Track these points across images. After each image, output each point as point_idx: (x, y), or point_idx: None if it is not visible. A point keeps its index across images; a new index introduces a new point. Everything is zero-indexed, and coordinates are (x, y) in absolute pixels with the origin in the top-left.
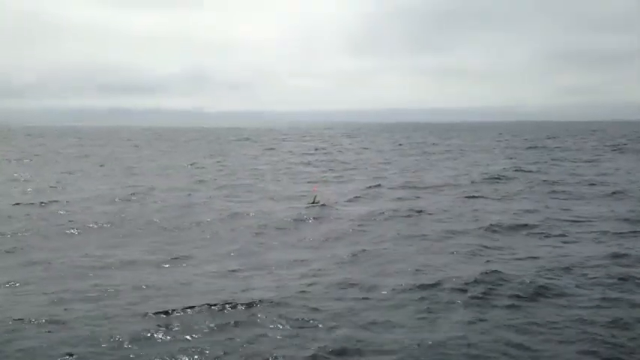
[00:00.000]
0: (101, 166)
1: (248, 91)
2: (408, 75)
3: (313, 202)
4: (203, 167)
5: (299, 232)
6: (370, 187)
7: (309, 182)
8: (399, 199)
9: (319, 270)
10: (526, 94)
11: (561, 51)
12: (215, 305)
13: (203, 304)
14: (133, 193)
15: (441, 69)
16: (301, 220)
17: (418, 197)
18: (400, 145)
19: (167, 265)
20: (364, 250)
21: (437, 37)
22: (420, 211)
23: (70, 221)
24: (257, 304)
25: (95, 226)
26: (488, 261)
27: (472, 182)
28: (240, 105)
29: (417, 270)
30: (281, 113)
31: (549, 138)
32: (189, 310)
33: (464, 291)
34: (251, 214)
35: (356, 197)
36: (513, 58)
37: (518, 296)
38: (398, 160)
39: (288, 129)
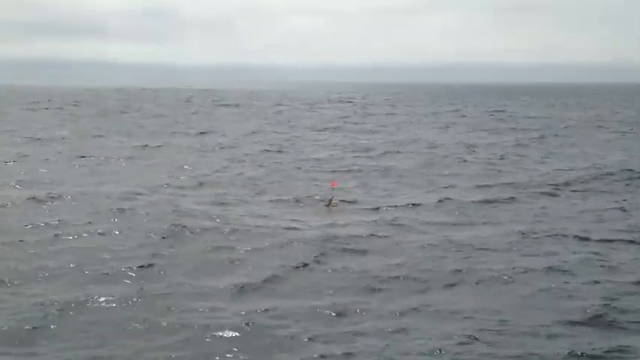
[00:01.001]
0: None
1: (229, 35)
2: (462, 14)
3: (329, 205)
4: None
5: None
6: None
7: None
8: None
9: None
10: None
11: None
12: None
13: None
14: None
15: (513, 5)
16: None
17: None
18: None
19: None
20: None
21: None
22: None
23: None
24: None
25: None
26: None
27: None
28: (219, 55)
29: None
30: (275, 68)
31: None
32: None
33: None
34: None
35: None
36: None
37: None
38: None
39: (294, 94)
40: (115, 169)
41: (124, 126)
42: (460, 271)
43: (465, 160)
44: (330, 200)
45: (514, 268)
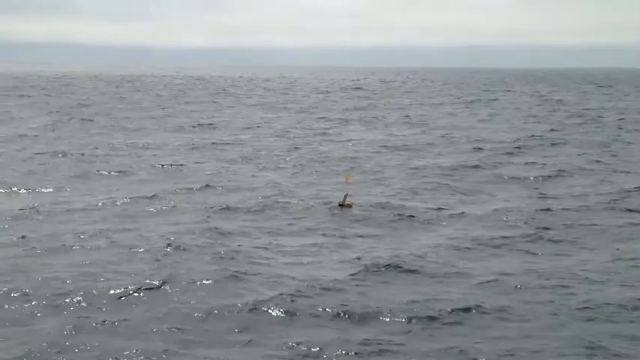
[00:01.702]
0: None
1: (212, 8)
2: None
3: (342, 204)
4: None
5: None
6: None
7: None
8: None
9: None
10: None
11: None
12: None
13: None
14: None
15: None
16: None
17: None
18: None
19: None
20: None
21: None
22: None
23: None
24: None
25: None
26: None
27: None
28: (202, 36)
29: None
30: (270, 50)
31: None
32: None
33: None
34: None
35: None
36: None
37: None
38: None
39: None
40: None
41: None
42: None
43: None
44: (344, 199)
45: None
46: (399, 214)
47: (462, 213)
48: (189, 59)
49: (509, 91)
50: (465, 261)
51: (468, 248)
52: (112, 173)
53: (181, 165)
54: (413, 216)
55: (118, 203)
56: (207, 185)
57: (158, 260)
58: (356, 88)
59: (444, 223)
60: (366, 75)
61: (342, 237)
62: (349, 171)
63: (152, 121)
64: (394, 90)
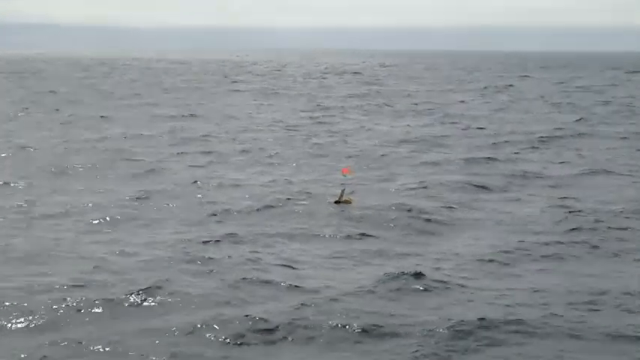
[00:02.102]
0: None
1: None
2: None
3: (339, 201)
4: None
5: None
6: None
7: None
8: None
9: None
10: None
11: None
12: None
13: None
14: None
15: None
16: None
17: None
18: None
19: None
20: None
21: None
22: None
23: None
24: None
25: None
26: None
27: None
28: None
29: None
30: (259, 31)
31: None
32: None
33: None
34: None
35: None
36: None
37: None
38: None
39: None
40: None
41: None
42: None
43: None
44: (341, 195)
45: None
46: (413, 217)
47: (483, 215)
48: (174, 40)
49: (526, 76)
50: (490, 272)
51: (492, 259)
52: (82, 170)
53: (162, 162)
54: (428, 219)
55: (92, 206)
56: (195, 183)
57: (146, 271)
58: (355, 73)
59: (464, 226)
60: (365, 58)
61: (347, 242)
62: (351, 166)
63: (129, 110)
64: (397, 75)
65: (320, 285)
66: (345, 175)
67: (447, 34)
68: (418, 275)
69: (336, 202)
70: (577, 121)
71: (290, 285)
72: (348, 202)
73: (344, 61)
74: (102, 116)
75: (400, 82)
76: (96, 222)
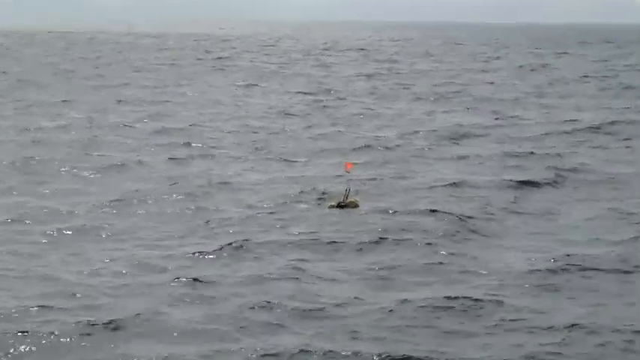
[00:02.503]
0: None
1: None
2: None
3: (343, 204)
4: None
5: None
6: None
7: None
8: None
9: None
10: None
11: None
12: None
13: None
14: None
15: None
16: None
17: None
18: None
19: None
20: None
21: None
22: None
23: None
24: None
25: None
26: None
27: None
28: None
29: None
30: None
31: None
32: None
33: None
34: None
35: None
36: None
37: None
38: None
39: None
40: None
41: None
42: None
43: None
44: (346, 196)
45: None
46: (442, 227)
47: (525, 221)
48: (144, 10)
49: (564, 53)
50: (542, 291)
51: (543, 275)
52: (40, 167)
53: (136, 156)
54: (457, 230)
55: (52, 212)
56: (176, 184)
57: (121, 297)
58: (360, 49)
59: (504, 234)
60: (370, 32)
61: (362, 255)
62: (357, 161)
63: (95, 93)
64: (411, 52)
65: (335, 311)
66: (349, 171)
67: (459, 3)
68: (451, 299)
69: (339, 206)
70: (628, 107)
71: (298, 309)
72: (354, 204)
73: (346, 35)
74: (63, 100)
75: (416, 59)
76: (56, 233)
